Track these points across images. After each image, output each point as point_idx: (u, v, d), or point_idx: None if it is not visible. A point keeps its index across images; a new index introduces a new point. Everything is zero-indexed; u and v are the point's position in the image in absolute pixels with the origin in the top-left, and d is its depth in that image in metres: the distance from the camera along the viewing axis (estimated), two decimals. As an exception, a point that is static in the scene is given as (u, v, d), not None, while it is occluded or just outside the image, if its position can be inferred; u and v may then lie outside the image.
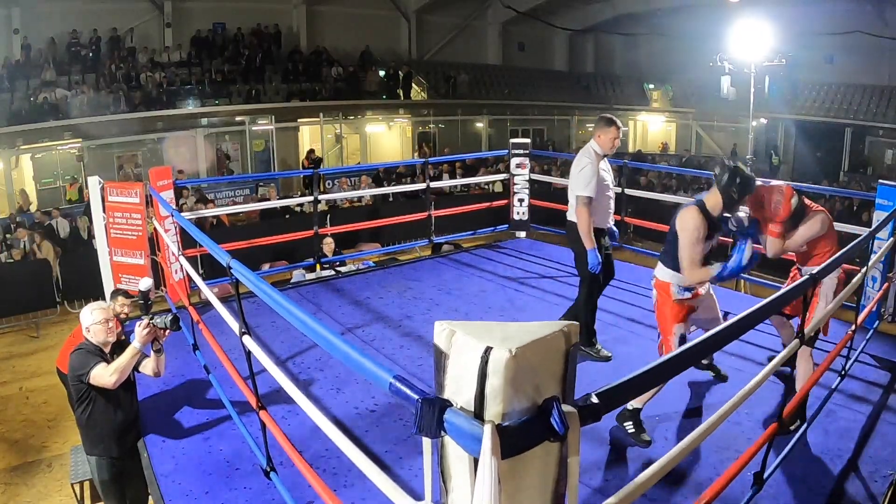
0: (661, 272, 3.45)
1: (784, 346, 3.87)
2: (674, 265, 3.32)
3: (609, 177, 4.22)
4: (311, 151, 16.59)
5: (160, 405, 3.81)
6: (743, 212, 3.44)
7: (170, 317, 3.36)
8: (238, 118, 16.71)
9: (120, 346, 3.48)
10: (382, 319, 4.95)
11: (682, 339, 3.39)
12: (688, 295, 3.36)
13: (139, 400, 3.86)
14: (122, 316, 4.56)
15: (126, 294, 4.69)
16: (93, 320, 3.36)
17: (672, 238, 3.30)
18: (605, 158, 4.16)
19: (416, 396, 1.40)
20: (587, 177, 3.98)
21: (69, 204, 13.79)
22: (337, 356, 1.89)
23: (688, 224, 3.17)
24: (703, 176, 13.85)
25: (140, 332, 3.26)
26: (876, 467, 3.04)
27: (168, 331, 3.38)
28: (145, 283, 3.40)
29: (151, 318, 3.32)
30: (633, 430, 3.28)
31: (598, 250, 4.10)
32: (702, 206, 3.21)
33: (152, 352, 3.40)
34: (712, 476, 2.81)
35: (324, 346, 1.98)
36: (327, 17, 18.77)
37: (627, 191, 6.68)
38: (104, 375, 3.23)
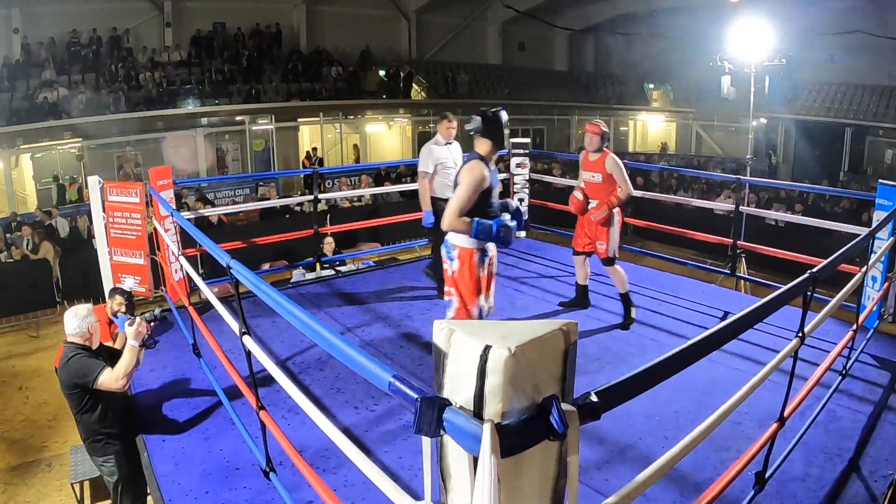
0: (461, 238, 3.38)
1: (577, 283, 5.10)
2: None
3: (450, 160, 5.12)
4: (314, 150, 16.61)
5: (160, 405, 3.81)
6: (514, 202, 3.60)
7: (157, 310, 3.55)
8: (238, 118, 16.72)
9: (104, 346, 3.51)
10: (382, 319, 4.95)
11: (481, 313, 3.45)
12: (486, 260, 3.44)
13: (138, 398, 3.87)
14: (120, 314, 4.56)
15: (123, 293, 4.69)
16: (91, 322, 3.36)
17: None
18: (449, 145, 5.16)
19: (415, 396, 1.40)
20: (422, 158, 5.17)
21: (69, 204, 13.80)
22: (337, 356, 1.88)
23: (473, 174, 3.28)
24: (702, 176, 14.03)
25: (133, 330, 3.31)
26: (876, 467, 3.04)
27: (156, 322, 3.53)
28: (128, 282, 3.54)
29: (141, 315, 3.42)
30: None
31: (436, 213, 5.07)
32: (481, 158, 3.36)
33: (138, 346, 3.42)
34: (713, 476, 2.81)
35: (324, 346, 1.97)
36: (327, 17, 18.78)
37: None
38: (113, 381, 3.27)
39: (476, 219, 3.28)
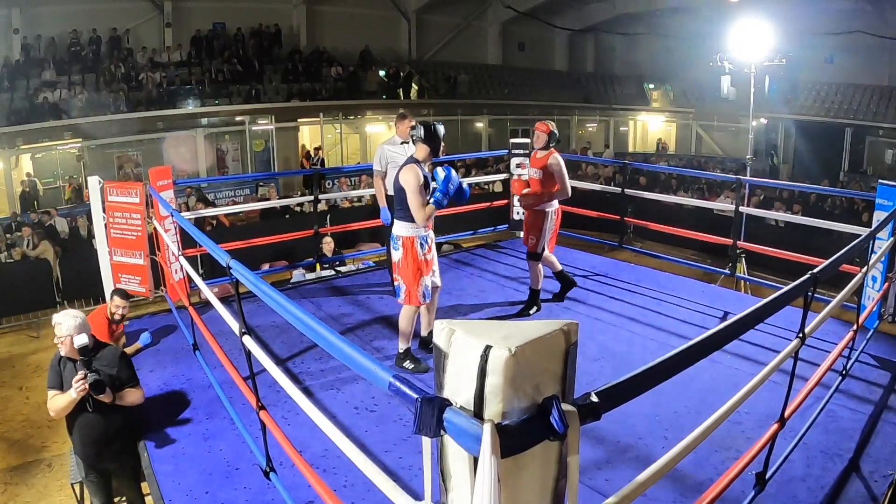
0: (403, 228, 3.95)
1: (554, 273, 5.21)
2: (410, 217, 3.90)
3: (401, 159, 5.02)
4: (317, 149, 16.58)
5: (160, 406, 3.81)
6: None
7: (91, 378, 3.19)
8: (238, 118, 16.70)
9: (100, 346, 3.40)
10: (382, 319, 4.94)
11: (427, 292, 4.00)
12: (426, 248, 3.98)
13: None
14: (117, 317, 4.54)
15: (122, 295, 4.65)
16: (71, 334, 3.25)
17: (402, 195, 3.90)
18: (405, 145, 5.13)
19: (415, 396, 1.40)
20: (376, 157, 5.29)
21: (68, 204, 13.79)
22: (337, 356, 1.88)
23: (410, 178, 3.84)
24: (702, 176, 14.03)
25: (80, 385, 3.15)
26: (876, 467, 3.04)
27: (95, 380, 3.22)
28: (81, 339, 3.20)
29: (89, 373, 3.20)
30: (413, 366, 4.02)
31: (390, 209, 5.12)
32: (416, 163, 3.91)
33: (76, 398, 3.23)
34: (713, 476, 2.81)
35: (324, 346, 1.97)
36: (327, 17, 18.76)
37: (627, 191, 6.69)
38: (49, 408, 3.31)
39: (432, 197, 3.86)
